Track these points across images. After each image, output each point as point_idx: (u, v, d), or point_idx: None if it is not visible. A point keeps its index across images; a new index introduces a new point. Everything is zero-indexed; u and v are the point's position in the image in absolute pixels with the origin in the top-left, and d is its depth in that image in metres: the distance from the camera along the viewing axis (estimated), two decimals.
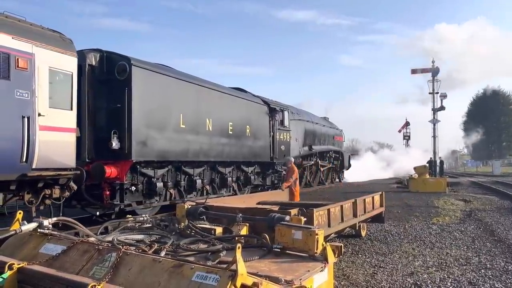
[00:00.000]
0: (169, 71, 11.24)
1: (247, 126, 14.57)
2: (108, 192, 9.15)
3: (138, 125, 9.47)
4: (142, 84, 9.69)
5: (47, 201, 7.97)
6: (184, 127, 11.09)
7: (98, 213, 9.35)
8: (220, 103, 12.98)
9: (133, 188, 9.68)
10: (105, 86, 9.38)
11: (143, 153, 9.65)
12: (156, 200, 10.69)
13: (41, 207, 7.99)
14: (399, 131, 54.35)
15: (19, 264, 3.21)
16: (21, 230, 3.77)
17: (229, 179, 13.70)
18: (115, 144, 8.96)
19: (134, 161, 9.37)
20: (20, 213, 3.95)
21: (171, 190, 11.27)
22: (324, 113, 38.51)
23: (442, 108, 30.56)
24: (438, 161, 31.42)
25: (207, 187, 12.81)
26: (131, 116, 9.25)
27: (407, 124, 53.22)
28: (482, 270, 6.26)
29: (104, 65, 9.52)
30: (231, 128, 13.45)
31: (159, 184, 10.42)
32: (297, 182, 11.54)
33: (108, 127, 9.14)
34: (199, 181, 12.02)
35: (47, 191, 7.85)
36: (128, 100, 9.25)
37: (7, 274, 3.13)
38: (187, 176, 11.80)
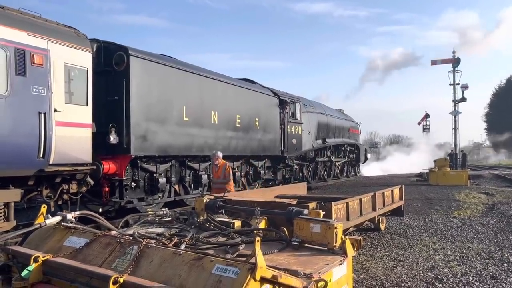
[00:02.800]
0: (170, 61, 10.86)
1: (256, 119, 14.24)
2: (107, 189, 8.88)
3: (137, 119, 9.21)
4: (141, 75, 9.39)
5: (65, 196, 8.11)
6: (187, 120, 10.78)
7: (100, 210, 8.99)
8: (227, 94, 12.61)
9: (133, 184, 9.43)
10: (102, 78, 8.96)
11: (143, 148, 9.38)
12: (159, 197, 10.41)
13: (60, 202, 8.13)
14: (419, 123, 53.42)
15: (44, 257, 3.29)
16: (46, 223, 3.86)
17: (238, 174, 13.39)
18: (113, 138, 8.68)
19: (133, 156, 9.12)
20: (44, 207, 4.04)
21: (175, 186, 11.02)
22: (340, 105, 38.13)
23: (463, 99, 29.89)
24: (460, 154, 30.77)
25: None
26: (130, 109, 8.99)
27: (426, 116, 52.24)
28: (505, 264, 6.15)
29: (102, 56, 9.16)
30: (239, 120, 13.13)
31: (162, 180, 10.16)
32: (231, 182, 9.08)
33: (106, 120, 8.79)
34: (205, 176, 11.75)
35: (65, 186, 7.98)
36: (126, 92, 8.98)
37: (33, 266, 3.22)
38: (192, 171, 11.52)
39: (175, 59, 11.45)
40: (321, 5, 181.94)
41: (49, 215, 3.98)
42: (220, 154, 9.13)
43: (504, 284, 5.29)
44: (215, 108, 11.94)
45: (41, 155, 7.13)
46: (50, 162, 7.33)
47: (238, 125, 13.11)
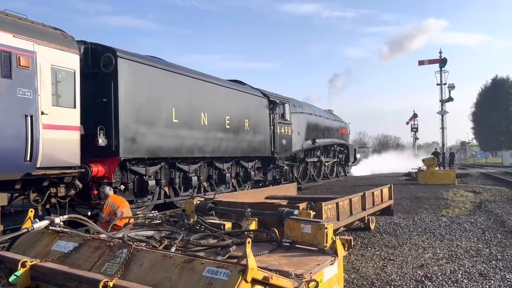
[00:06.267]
0: (159, 62, 10.79)
1: (246, 120, 14.21)
2: (96, 192, 8.71)
3: (126, 121, 9.11)
4: (130, 77, 9.31)
5: (53, 200, 7.99)
6: (177, 122, 10.72)
7: (89, 213, 8.80)
8: (216, 96, 12.57)
9: (123, 187, 9.34)
10: (90, 80, 8.81)
11: (132, 150, 9.29)
12: (149, 199, 10.32)
13: (47, 206, 8.00)
14: (407, 123, 54.03)
15: (32, 262, 3.24)
16: (33, 228, 3.81)
17: (228, 175, 13.37)
18: (101, 141, 8.58)
19: (122, 158, 9.03)
20: (31, 211, 3.99)
21: (165, 188, 10.96)
22: (329, 106, 38.34)
23: (450, 99, 30.23)
24: (448, 153, 31.14)
25: (204, 184, 12.55)
26: (118, 111, 8.89)
27: (414, 116, 52.85)
28: (493, 261, 6.23)
29: (89, 58, 9.03)
30: (229, 122, 13.07)
31: (151, 182, 10.07)
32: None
33: (94, 123, 8.66)
34: (195, 178, 11.70)
35: (53, 190, 7.87)
36: (115, 94, 8.88)
37: (20, 271, 3.16)
38: (182, 173, 11.46)
39: (164, 61, 11.38)
40: (309, 6, 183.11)
41: (36, 219, 3.93)
42: (108, 191, 7.18)
43: (492, 281, 5.36)
44: (204, 110, 11.88)
45: (28, 159, 7.03)
46: (37, 166, 7.22)
47: (228, 127, 13.06)
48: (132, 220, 5.09)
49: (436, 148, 34.68)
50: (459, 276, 5.57)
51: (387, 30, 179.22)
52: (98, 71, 9.07)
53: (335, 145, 24.91)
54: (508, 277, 5.51)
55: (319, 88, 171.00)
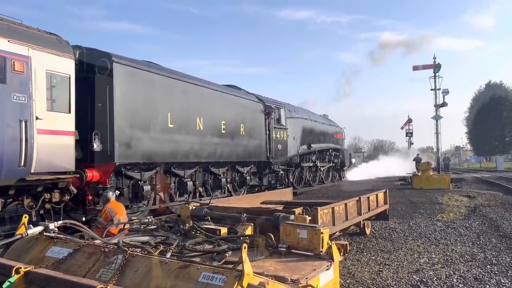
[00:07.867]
0: (155, 67, 10.82)
1: (241, 125, 14.23)
2: (90, 197, 8.72)
3: (122, 126, 9.10)
4: (125, 81, 9.32)
5: (47, 206, 7.94)
6: (172, 127, 10.73)
7: (84, 219, 8.67)
8: (212, 101, 12.58)
9: (118, 192, 9.29)
10: (85, 84, 8.80)
11: (127, 155, 9.27)
12: (144, 204, 10.29)
13: (42, 211, 7.95)
14: (402, 128, 54.16)
15: (26, 268, 3.21)
16: (27, 233, 3.78)
17: (223, 180, 13.36)
18: (96, 146, 8.56)
19: (117, 163, 9.00)
20: (25, 217, 3.96)
21: (160, 193, 10.94)
22: (325, 111, 38.47)
23: (444, 104, 30.39)
24: (441, 158, 31.34)
25: (200, 189, 12.53)
26: (113, 116, 8.88)
27: (409, 121, 53.03)
28: (488, 266, 6.25)
29: (85, 63, 9.03)
30: (224, 127, 13.09)
31: (146, 187, 10.04)
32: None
33: (89, 128, 8.68)
34: (190, 183, 11.70)
35: (47, 195, 7.83)
36: (110, 99, 8.88)
37: (14, 277, 3.14)
38: (177, 178, 11.44)
39: (159, 66, 11.38)
40: (305, 12, 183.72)
41: (30, 225, 3.90)
42: (110, 196, 7.17)
43: (487, 286, 5.38)
44: (200, 115, 11.89)
45: (22, 164, 6.99)
46: (32, 171, 7.18)
47: (223, 131, 13.07)
48: (127, 226, 5.08)
49: (418, 154, 35.21)
50: (454, 280, 5.58)
51: (382, 36, 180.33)
52: (94, 75, 9.05)
53: (330, 150, 24.96)
54: (503, 281, 5.53)
55: (314, 93, 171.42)
